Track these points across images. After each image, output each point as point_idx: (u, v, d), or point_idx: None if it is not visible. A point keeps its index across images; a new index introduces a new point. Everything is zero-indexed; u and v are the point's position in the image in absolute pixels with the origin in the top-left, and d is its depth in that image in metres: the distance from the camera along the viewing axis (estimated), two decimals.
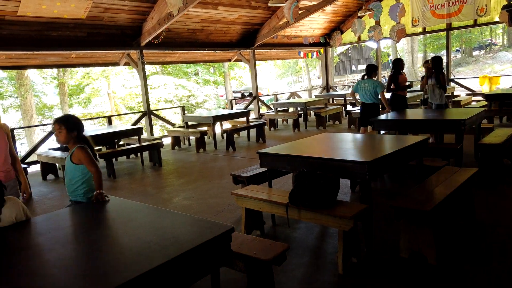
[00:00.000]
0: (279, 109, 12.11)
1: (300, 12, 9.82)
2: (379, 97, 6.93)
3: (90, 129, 11.04)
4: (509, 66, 26.83)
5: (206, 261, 2.01)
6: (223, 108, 20.47)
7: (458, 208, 3.81)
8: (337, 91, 16.85)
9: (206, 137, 9.39)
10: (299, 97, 15.58)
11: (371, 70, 6.90)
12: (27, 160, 8.22)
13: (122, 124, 19.05)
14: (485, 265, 2.97)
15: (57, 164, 7.30)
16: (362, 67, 32.14)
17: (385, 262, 3.14)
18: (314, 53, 14.88)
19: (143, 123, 10.51)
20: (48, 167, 7.33)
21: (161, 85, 20.72)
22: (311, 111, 12.85)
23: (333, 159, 3.43)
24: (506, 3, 10.11)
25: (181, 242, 1.96)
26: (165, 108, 19.35)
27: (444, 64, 10.56)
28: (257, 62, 13.02)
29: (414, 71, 26.26)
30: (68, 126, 2.84)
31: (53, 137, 8.58)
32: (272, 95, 17.61)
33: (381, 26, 12.76)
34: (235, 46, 12.19)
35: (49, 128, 10.46)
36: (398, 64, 7.34)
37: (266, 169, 4.14)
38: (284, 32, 12.22)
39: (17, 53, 8.48)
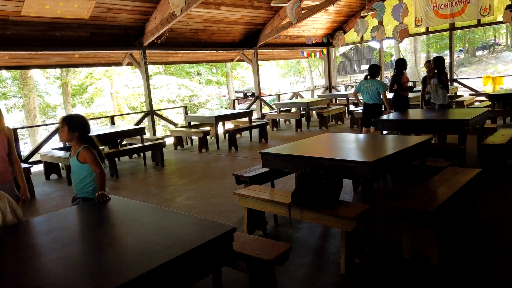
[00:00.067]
0: (281, 109, 12.10)
1: (302, 12, 9.81)
2: (381, 97, 6.92)
3: (93, 129, 11.04)
4: None
5: (208, 261, 2.01)
6: (226, 108, 20.49)
7: (461, 209, 3.80)
8: (339, 91, 16.83)
9: (208, 137, 9.39)
10: (302, 97, 15.57)
11: (374, 70, 6.88)
12: (30, 160, 8.25)
13: (124, 124, 19.08)
14: (488, 266, 2.96)
15: (60, 164, 7.32)
16: (365, 67, 32.05)
17: (388, 263, 3.13)
18: (317, 53, 14.87)
19: (145, 123, 10.53)
20: (51, 167, 7.34)
21: (164, 85, 20.76)
22: (314, 111, 12.82)
23: (335, 159, 3.43)
24: (509, 3, 10.06)
25: (183, 241, 1.96)
26: (168, 108, 19.38)
27: (448, 64, 10.54)
28: (259, 62, 13.01)
29: (417, 71, 26.18)
30: (70, 125, 2.91)
31: (56, 136, 8.64)
32: (275, 95, 17.61)
33: (384, 26, 12.73)
34: (238, 46, 12.19)
35: (52, 128, 10.50)
36: (400, 64, 7.33)
37: (268, 169, 4.14)
38: (287, 32, 12.22)
39: (21, 53, 8.52)
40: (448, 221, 3.75)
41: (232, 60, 13.91)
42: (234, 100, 14.17)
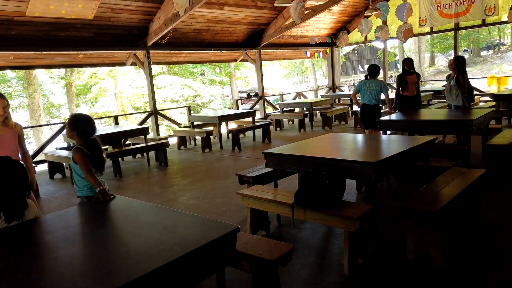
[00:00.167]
0: (285, 109, 12.09)
1: (306, 12, 9.80)
2: (383, 97, 6.87)
3: (97, 128, 11.10)
4: None
5: (212, 261, 2.01)
6: (229, 108, 20.50)
7: (466, 209, 3.78)
8: (343, 91, 16.79)
9: (212, 137, 9.41)
10: (305, 97, 15.56)
11: (375, 70, 6.82)
12: (34, 159, 8.29)
13: (128, 123, 19.16)
14: (492, 266, 2.94)
15: (64, 164, 7.36)
16: None
17: (391, 263, 3.12)
18: (321, 53, 14.85)
19: (149, 123, 10.56)
20: (55, 166, 7.38)
21: (167, 85, 20.80)
22: (317, 111, 12.82)
23: (339, 160, 3.42)
24: None
25: (187, 241, 1.96)
26: (171, 108, 19.42)
27: None
28: (263, 62, 13.02)
29: (421, 71, 26.11)
30: (70, 124, 2.98)
31: (61, 136, 8.69)
32: (278, 95, 17.61)
33: (388, 26, 12.69)
34: (241, 46, 12.20)
35: (56, 128, 10.55)
36: (411, 63, 7.31)
37: (271, 169, 4.13)
38: (290, 32, 12.20)
39: (25, 53, 8.57)
40: (452, 222, 3.73)
41: (235, 60, 13.92)
42: (237, 100, 14.17)
